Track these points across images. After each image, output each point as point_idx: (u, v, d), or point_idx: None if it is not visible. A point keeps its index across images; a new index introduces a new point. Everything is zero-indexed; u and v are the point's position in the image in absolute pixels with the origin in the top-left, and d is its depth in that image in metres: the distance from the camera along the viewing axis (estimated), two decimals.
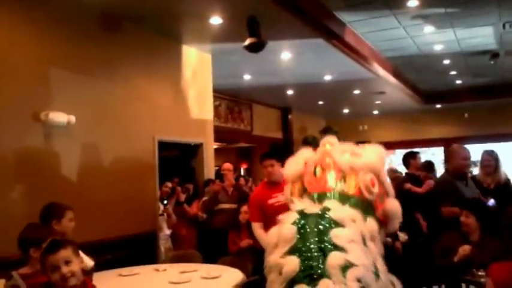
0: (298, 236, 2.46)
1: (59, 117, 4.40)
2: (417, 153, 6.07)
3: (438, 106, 13.54)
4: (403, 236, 5.09)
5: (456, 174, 4.52)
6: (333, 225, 2.48)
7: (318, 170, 2.95)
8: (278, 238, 2.56)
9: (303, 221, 2.53)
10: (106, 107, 5.13)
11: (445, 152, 14.45)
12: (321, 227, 2.47)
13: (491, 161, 5.01)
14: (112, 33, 5.33)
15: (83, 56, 4.91)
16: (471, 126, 13.57)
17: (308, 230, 2.47)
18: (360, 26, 6.74)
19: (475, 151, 5.67)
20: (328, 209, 2.58)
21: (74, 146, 4.71)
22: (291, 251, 2.43)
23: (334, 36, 6.35)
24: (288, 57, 7.49)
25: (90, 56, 4.99)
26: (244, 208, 5.03)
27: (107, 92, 5.16)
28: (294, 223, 2.53)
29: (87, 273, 2.68)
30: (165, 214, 5.82)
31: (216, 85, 7.36)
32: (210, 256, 4.68)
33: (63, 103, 4.56)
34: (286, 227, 2.51)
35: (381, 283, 2.41)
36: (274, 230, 2.64)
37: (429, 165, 6.49)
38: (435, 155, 13.38)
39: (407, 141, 13.96)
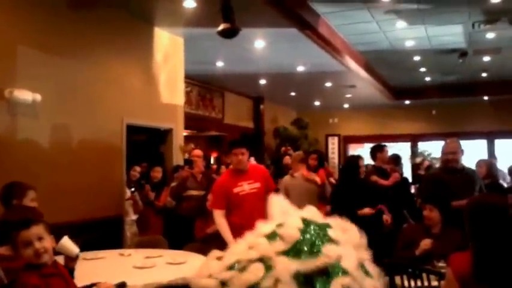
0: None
1: (23, 94, 4.29)
2: (384, 146, 6.17)
3: (407, 102, 13.78)
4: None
5: (445, 167, 4.55)
6: (328, 242, 2.50)
7: None
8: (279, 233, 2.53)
9: (305, 232, 2.54)
10: (73, 87, 5.01)
11: (412, 147, 14.76)
12: (317, 241, 2.50)
13: None
14: (83, 13, 5.20)
15: (51, 34, 4.78)
16: (438, 123, 13.87)
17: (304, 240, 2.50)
18: (333, 18, 6.78)
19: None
20: (329, 226, 2.58)
21: (39, 125, 4.60)
22: (285, 252, 2.45)
23: (308, 26, 6.37)
24: (262, 45, 7.47)
25: (59, 34, 4.86)
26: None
27: (75, 72, 5.03)
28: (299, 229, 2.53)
29: (72, 260, 2.62)
30: (131, 200, 5.75)
31: (188, 71, 7.28)
32: (177, 242, 4.66)
33: (29, 81, 4.44)
34: (293, 229, 2.51)
35: None
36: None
37: (396, 159, 6.61)
38: (402, 150, 13.62)
39: (375, 135, 14.17)
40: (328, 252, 2.39)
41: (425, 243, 3.56)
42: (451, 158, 4.44)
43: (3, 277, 2.29)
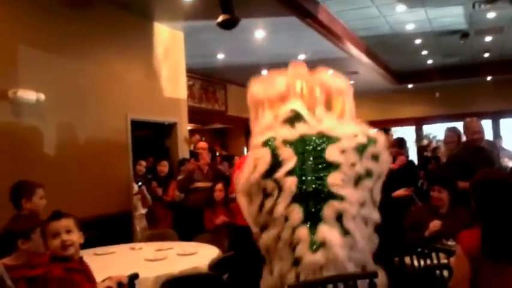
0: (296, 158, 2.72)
1: (27, 94, 4.31)
2: (389, 129, 6.16)
3: (410, 86, 13.72)
4: None
5: (470, 147, 4.47)
6: (329, 142, 2.74)
7: (305, 90, 3.03)
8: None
9: (302, 147, 2.72)
10: (77, 85, 5.04)
11: (416, 131, 14.73)
12: (318, 148, 2.76)
13: (454, 137, 5.11)
14: (82, 12, 5.21)
15: (52, 33, 4.79)
16: (442, 106, 13.81)
17: (306, 154, 2.74)
18: (332, 5, 6.74)
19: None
20: (325, 132, 2.72)
21: (44, 124, 4.63)
22: (290, 172, 2.68)
23: (308, 14, 6.34)
24: (262, 35, 7.46)
25: (60, 33, 4.88)
26: (219, 186, 5.05)
27: (77, 70, 5.05)
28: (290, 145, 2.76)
29: None
30: (139, 195, 5.78)
31: (189, 64, 7.29)
32: (186, 235, 4.69)
33: (32, 81, 4.47)
34: (286, 150, 2.69)
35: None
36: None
37: (400, 142, 6.58)
38: (407, 135, 13.60)
39: (380, 120, 14.07)
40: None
41: (435, 224, 3.56)
42: (477, 137, 4.36)
43: (12, 286, 2.30)
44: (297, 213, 2.64)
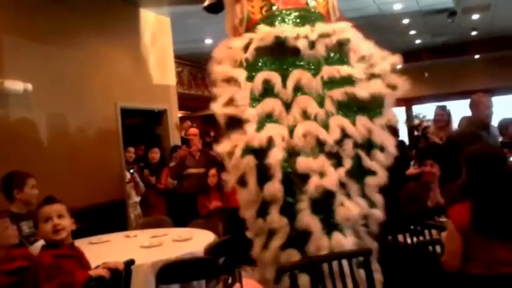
0: None
1: (14, 85, 4.27)
2: None
3: (398, 67, 13.72)
4: None
5: (480, 124, 4.36)
6: None
7: None
8: None
9: None
10: (64, 74, 4.99)
11: (406, 111, 14.76)
12: None
13: (444, 116, 5.12)
14: (68, 0, 5.14)
15: (37, 22, 4.73)
16: (431, 86, 13.82)
17: None
18: None
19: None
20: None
21: (32, 115, 4.60)
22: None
23: None
24: None
25: (44, 22, 4.82)
26: (213, 172, 5.05)
27: (64, 59, 5.00)
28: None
29: None
30: (132, 182, 5.78)
31: (177, 51, 7.22)
32: (181, 221, 4.70)
33: (19, 71, 4.43)
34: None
35: None
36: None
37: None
38: (397, 116, 13.60)
39: None
40: None
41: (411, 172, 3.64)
42: (488, 113, 4.34)
43: None
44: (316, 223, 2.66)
